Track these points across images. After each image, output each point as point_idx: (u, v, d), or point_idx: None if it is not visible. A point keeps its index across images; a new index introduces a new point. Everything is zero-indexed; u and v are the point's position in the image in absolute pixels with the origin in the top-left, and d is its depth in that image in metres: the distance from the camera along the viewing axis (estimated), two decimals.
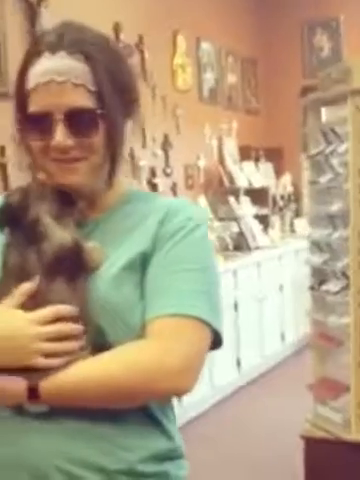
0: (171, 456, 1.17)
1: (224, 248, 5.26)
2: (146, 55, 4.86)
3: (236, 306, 4.74)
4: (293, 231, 6.52)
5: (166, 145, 5.21)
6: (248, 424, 4.18)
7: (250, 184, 5.98)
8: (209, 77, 5.96)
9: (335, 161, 2.94)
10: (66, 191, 1.14)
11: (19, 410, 1.09)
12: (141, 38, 4.85)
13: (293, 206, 6.62)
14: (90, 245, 1.13)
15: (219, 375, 4.33)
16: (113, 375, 1.06)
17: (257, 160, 6.37)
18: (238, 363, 4.76)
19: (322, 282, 3.05)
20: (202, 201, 5.50)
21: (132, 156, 4.42)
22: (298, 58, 6.84)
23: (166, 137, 5.19)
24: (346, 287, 2.86)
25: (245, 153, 6.22)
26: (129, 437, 1.11)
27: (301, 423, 3.10)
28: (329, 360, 3.10)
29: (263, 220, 5.96)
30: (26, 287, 1.08)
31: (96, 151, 1.12)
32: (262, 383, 4.98)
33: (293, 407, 4.06)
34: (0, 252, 1.14)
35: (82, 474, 1.08)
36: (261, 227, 5.86)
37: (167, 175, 5.24)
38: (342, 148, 2.85)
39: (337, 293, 2.93)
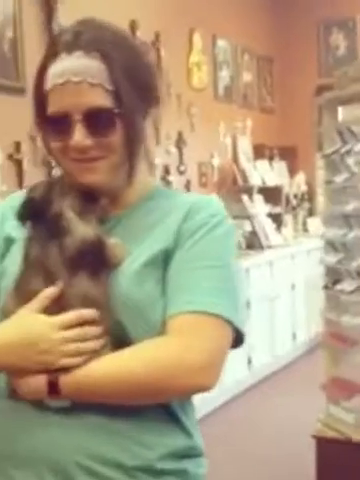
0: (190, 454, 1.16)
1: (237, 246, 5.23)
2: (162, 53, 4.85)
3: (248, 305, 4.73)
4: (306, 230, 6.50)
5: (180, 143, 5.21)
6: (259, 423, 4.17)
7: (264, 183, 5.97)
8: (224, 75, 5.95)
9: (351, 160, 2.92)
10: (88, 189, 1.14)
11: (40, 405, 1.09)
12: (157, 36, 4.85)
13: (306, 205, 6.60)
14: (112, 241, 1.13)
15: (230, 374, 4.32)
16: (133, 371, 1.06)
17: (271, 159, 6.35)
18: (249, 362, 4.75)
19: (336, 282, 3.04)
20: None
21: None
22: (314, 57, 6.81)
23: (180, 135, 5.19)
24: None
25: (259, 151, 6.21)
26: (148, 434, 1.11)
27: (312, 423, 3.09)
28: (342, 360, 3.08)
29: (276, 219, 5.94)
30: (50, 291, 1.08)
31: (115, 150, 1.12)
32: (273, 382, 4.96)
33: (304, 407, 4.05)
34: (22, 246, 1.14)
35: (101, 470, 1.08)
36: (274, 226, 5.85)
37: (181, 173, 5.24)
38: (358, 147, 2.84)
39: (351, 293, 2.92)
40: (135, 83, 1.13)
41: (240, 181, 5.76)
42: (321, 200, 6.19)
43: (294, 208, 6.41)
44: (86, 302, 1.08)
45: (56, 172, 3.69)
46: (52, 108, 1.12)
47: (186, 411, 1.18)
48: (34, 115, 1.16)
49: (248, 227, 5.46)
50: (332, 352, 3.10)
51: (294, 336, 5.53)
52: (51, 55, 1.12)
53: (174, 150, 5.12)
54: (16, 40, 3.63)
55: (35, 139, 3.61)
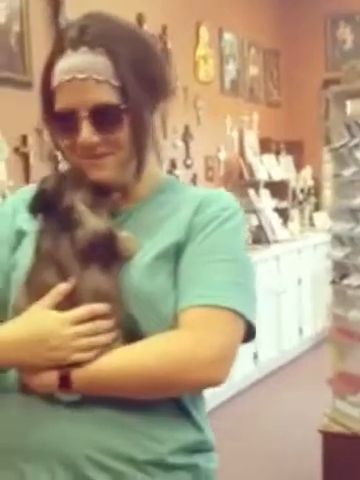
0: (201, 448, 1.16)
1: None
2: (169, 46, 4.84)
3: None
4: (312, 225, 6.48)
5: (187, 136, 5.20)
6: (265, 418, 4.17)
7: (270, 177, 5.95)
8: (231, 68, 5.93)
9: (359, 154, 2.91)
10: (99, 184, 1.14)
11: (50, 399, 1.09)
12: (164, 29, 4.83)
13: (313, 200, 6.58)
14: (124, 234, 1.12)
15: (236, 368, 4.29)
16: (145, 365, 1.05)
17: (277, 153, 6.33)
18: (255, 356, 4.75)
19: (343, 276, 3.03)
20: None
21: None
22: (321, 51, 6.79)
23: (187, 128, 5.18)
24: None
25: (266, 146, 6.19)
26: (159, 428, 1.11)
27: (318, 418, 3.09)
28: (348, 355, 3.08)
29: (282, 213, 5.93)
30: (63, 287, 1.08)
31: (122, 146, 1.12)
32: (279, 377, 4.96)
33: (310, 401, 4.05)
34: (33, 239, 1.14)
35: (111, 464, 1.07)
36: (280, 220, 5.83)
37: (187, 167, 5.23)
38: None
39: (358, 287, 2.91)
40: (142, 77, 1.12)
41: (246, 175, 5.75)
42: (328, 194, 6.19)
43: (300, 202, 6.39)
44: (98, 296, 1.08)
45: (63, 166, 3.68)
46: (59, 105, 1.11)
47: (197, 405, 1.17)
48: (41, 111, 1.16)
49: (254, 222, 5.45)
50: (339, 347, 3.10)
51: (300, 331, 5.53)
52: (57, 51, 1.12)
53: (180, 144, 5.11)
54: (23, 34, 3.62)
55: (41, 132, 3.60)
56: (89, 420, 1.08)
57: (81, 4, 3.60)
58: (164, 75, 1.18)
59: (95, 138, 1.10)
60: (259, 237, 5.42)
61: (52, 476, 1.08)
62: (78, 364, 1.06)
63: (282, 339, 5.18)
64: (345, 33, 6.71)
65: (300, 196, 6.39)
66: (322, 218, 6.35)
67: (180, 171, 5.04)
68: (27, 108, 3.36)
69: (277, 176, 6.04)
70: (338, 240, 3.10)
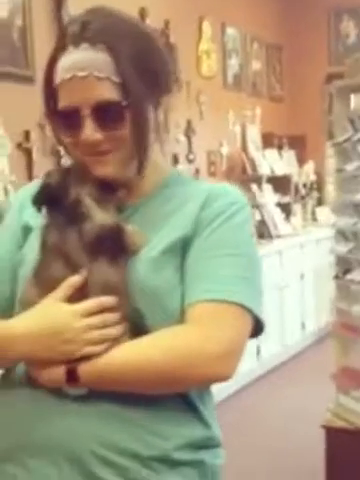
0: (207, 444, 1.16)
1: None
2: (171, 41, 4.82)
3: None
4: (315, 220, 6.47)
5: (189, 131, 5.18)
6: (268, 413, 4.17)
7: (272, 172, 5.94)
8: (234, 63, 5.92)
9: None
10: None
11: (58, 393, 1.09)
12: (167, 23, 4.81)
13: (315, 194, 6.57)
14: (130, 228, 1.12)
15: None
16: (152, 360, 1.05)
17: (280, 148, 6.32)
18: (258, 352, 4.75)
19: (347, 271, 3.02)
20: None
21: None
22: (324, 45, 6.76)
23: (189, 123, 5.17)
24: None
25: (268, 140, 6.18)
26: (165, 424, 1.10)
27: (321, 413, 3.08)
28: (352, 350, 3.07)
29: (285, 208, 5.92)
30: (74, 280, 1.08)
31: (125, 142, 1.12)
32: (282, 372, 4.96)
33: (313, 397, 4.05)
34: (39, 234, 1.15)
35: (116, 460, 1.07)
36: (283, 215, 5.83)
37: (190, 161, 5.22)
38: None
39: None
40: (144, 72, 1.11)
41: (249, 170, 5.74)
42: (330, 189, 6.18)
43: (303, 197, 6.38)
44: (106, 289, 1.08)
45: (65, 161, 3.68)
46: (62, 103, 1.11)
47: (204, 401, 1.17)
48: (44, 108, 1.16)
49: (257, 216, 5.45)
50: (342, 342, 3.09)
51: (303, 326, 5.53)
52: (59, 48, 1.11)
53: (183, 139, 5.10)
54: (25, 28, 3.61)
55: (44, 128, 3.60)
56: (95, 415, 1.08)
57: None
58: (167, 69, 1.17)
59: (98, 135, 1.10)
60: (262, 232, 5.41)
61: (58, 471, 1.08)
62: (86, 358, 1.06)
63: (285, 334, 5.18)
64: (348, 27, 6.68)
65: (303, 191, 6.38)
66: (325, 213, 6.35)
67: (182, 166, 5.03)
68: (30, 103, 3.36)
69: (280, 171, 6.03)
70: (341, 235, 3.10)
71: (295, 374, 4.91)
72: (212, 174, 5.53)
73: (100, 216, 1.10)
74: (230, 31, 5.82)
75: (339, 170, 3.08)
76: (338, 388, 3.05)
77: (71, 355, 1.06)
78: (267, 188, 5.81)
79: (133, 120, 1.10)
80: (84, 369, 1.05)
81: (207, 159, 5.49)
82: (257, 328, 1.14)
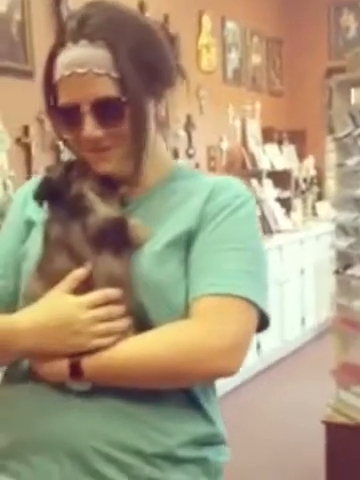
0: (211, 441, 1.15)
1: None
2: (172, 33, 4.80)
3: None
4: (315, 215, 6.47)
5: (189, 126, 5.17)
6: (268, 409, 4.17)
7: (272, 166, 5.93)
8: (233, 57, 5.90)
9: None
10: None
11: (62, 387, 1.08)
12: (166, 18, 4.79)
13: (315, 189, 6.56)
14: (134, 221, 1.12)
15: None
16: (156, 355, 1.04)
17: (280, 142, 6.30)
18: (258, 347, 4.75)
19: (347, 266, 3.01)
20: None
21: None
22: (324, 39, 6.73)
23: (189, 118, 5.15)
24: None
25: (268, 135, 6.16)
26: (168, 420, 1.10)
27: (322, 408, 3.08)
28: (352, 345, 3.07)
29: (285, 203, 5.91)
30: (80, 272, 1.07)
31: (126, 139, 1.11)
32: (282, 367, 4.96)
33: (313, 392, 4.05)
34: (41, 229, 1.14)
35: (119, 456, 1.06)
36: (283, 210, 5.82)
37: (190, 156, 5.21)
38: None
39: None
40: (145, 66, 1.10)
41: (249, 165, 5.73)
42: (330, 184, 6.17)
43: (303, 192, 6.38)
44: (111, 281, 1.07)
45: (64, 156, 3.67)
46: (62, 99, 1.11)
47: (209, 397, 1.16)
48: (45, 105, 1.15)
49: (257, 211, 5.43)
50: (342, 337, 3.08)
51: (303, 321, 5.52)
52: (58, 44, 1.11)
53: (183, 133, 5.08)
54: (24, 23, 3.59)
55: (43, 122, 3.58)
56: (98, 411, 1.07)
57: None
58: (168, 62, 1.16)
59: (98, 132, 1.10)
60: (262, 227, 5.40)
61: (60, 468, 1.07)
62: (90, 352, 1.05)
63: (285, 330, 5.17)
64: (349, 20, 6.64)
65: (303, 186, 6.37)
66: (325, 208, 6.34)
67: (182, 161, 5.01)
68: (29, 98, 3.34)
69: (280, 166, 6.02)
70: (342, 230, 3.09)
71: (295, 369, 4.91)
72: (212, 169, 5.52)
73: (104, 210, 1.09)
74: (230, 25, 5.80)
75: (340, 165, 3.07)
76: (338, 384, 3.05)
77: (79, 348, 1.05)
78: (267, 183, 5.80)
79: (132, 116, 1.09)
80: (88, 363, 1.05)
81: (207, 154, 5.48)
82: (262, 322, 1.13)
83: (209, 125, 5.39)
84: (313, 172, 6.52)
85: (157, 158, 1.18)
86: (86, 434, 1.06)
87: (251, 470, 3.29)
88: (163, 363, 1.04)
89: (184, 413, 1.11)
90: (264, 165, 5.81)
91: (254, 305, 1.09)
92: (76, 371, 1.05)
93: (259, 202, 5.52)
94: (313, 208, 6.51)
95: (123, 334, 1.06)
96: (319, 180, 6.63)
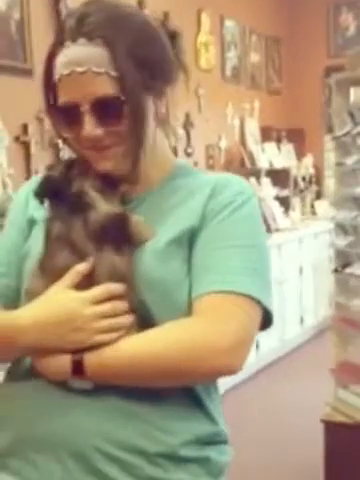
0: (214, 441, 1.15)
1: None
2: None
3: None
4: (314, 213, 6.47)
5: (187, 124, 5.17)
6: (266, 407, 4.17)
7: (271, 165, 5.93)
8: (232, 56, 5.89)
9: None
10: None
11: (63, 386, 1.08)
12: (165, 16, 4.77)
13: (314, 188, 6.56)
14: (136, 218, 1.11)
15: None
16: (159, 353, 1.04)
17: (279, 141, 6.30)
18: (257, 346, 4.74)
19: (346, 265, 3.01)
20: None
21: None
22: (323, 37, 6.73)
23: (188, 116, 5.15)
24: None
25: (267, 134, 6.16)
26: (170, 419, 1.09)
27: (320, 407, 3.08)
28: (351, 344, 3.07)
29: (284, 202, 5.91)
30: (82, 267, 1.07)
31: (126, 137, 1.11)
32: (281, 366, 4.96)
33: (312, 391, 4.04)
34: (42, 227, 1.14)
35: (121, 455, 1.06)
36: (282, 209, 5.81)
37: (188, 155, 5.21)
38: None
39: None
40: (144, 63, 1.10)
41: (248, 163, 5.73)
42: (329, 183, 6.17)
43: (302, 191, 6.37)
44: (114, 276, 1.07)
45: (63, 154, 3.66)
46: (61, 98, 1.10)
47: (211, 395, 1.16)
48: (44, 104, 1.15)
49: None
50: (341, 336, 3.09)
51: (302, 320, 5.52)
52: (57, 43, 1.10)
53: (181, 132, 5.08)
54: (23, 21, 3.59)
55: (42, 121, 3.58)
56: (101, 410, 1.07)
57: None
58: (169, 58, 1.15)
59: (98, 131, 1.09)
60: None
61: (62, 467, 1.07)
62: (92, 348, 1.04)
63: (283, 328, 5.17)
64: (348, 19, 6.64)
65: (301, 184, 6.37)
66: (323, 206, 6.34)
67: (181, 159, 5.01)
68: (27, 96, 3.34)
69: (278, 164, 6.02)
70: (341, 229, 3.09)
71: (294, 368, 4.91)
72: (210, 167, 5.51)
73: (105, 206, 1.09)
74: (229, 23, 5.80)
75: (339, 164, 3.07)
76: (337, 382, 3.05)
77: (80, 344, 1.04)
78: (266, 182, 5.80)
79: (130, 114, 1.09)
80: (90, 361, 1.04)
81: (205, 152, 5.48)
82: (266, 320, 1.12)
83: (208, 123, 5.38)
84: (312, 171, 6.52)
85: (158, 156, 1.18)
86: (88, 433, 1.06)
87: (250, 469, 3.29)
88: (165, 361, 1.03)
89: (187, 412, 1.11)
90: (263, 164, 5.81)
91: (258, 303, 1.08)
92: (77, 368, 1.04)
93: (258, 201, 5.51)
94: (312, 207, 6.51)
95: (126, 331, 1.05)
96: (318, 179, 6.63)
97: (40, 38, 3.55)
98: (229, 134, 5.71)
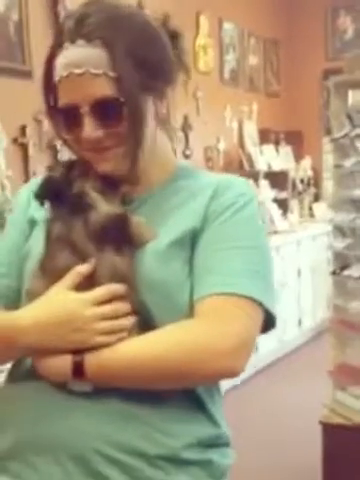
0: (216, 443, 1.14)
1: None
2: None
3: None
4: (312, 216, 6.47)
5: (186, 127, 5.17)
6: (264, 409, 4.17)
7: (269, 167, 5.93)
8: (231, 58, 5.90)
9: None
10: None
11: (64, 388, 1.07)
12: (165, 16, 4.78)
13: (312, 190, 6.57)
14: (137, 219, 1.11)
15: None
16: (160, 355, 1.03)
17: (277, 143, 6.31)
18: (255, 347, 4.74)
19: (344, 267, 3.02)
20: None
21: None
22: (321, 40, 6.74)
23: (186, 119, 5.15)
24: None
25: (265, 136, 6.17)
26: (171, 422, 1.08)
27: (318, 409, 3.08)
28: (349, 346, 3.07)
29: (282, 204, 5.91)
30: (83, 268, 1.06)
31: (126, 138, 1.11)
32: (279, 368, 4.96)
33: (310, 393, 4.04)
34: (43, 228, 1.14)
35: (121, 458, 1.05)
36: (280, 211, 5.82)
37: (186, 157, 5.21)
38: None
39: (359, 278, 2.90)
40: (144, 64, 1.10)
41: (246, 166, 5.73)
42: (327, 185, 6.18)
43: (300, 193, 6.38)
44: (115, 277, 1.06)
45: (62, 156, 3.66)
46: (61, 100, 1.11)
47: (213, 398, 1.15)
48: (45, 105, 1.15)
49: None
50: (339, 338, 3.09)
51: (300, 322, 5.52)
52: (57, 45, 1.10)
53: (180, 134, 5.08)
54: (21, 23, 3.59)
55: (40, 122, 3.58)
56: (101, 412, 1.06)
57: None
58: (169, 59, 1.15)
59: (98, 133, 1.09)
60: None
61: (62, 470, 1.06)
62: (93, 349, 1.03)
63: (282, 330, 5.17)
64: (346, 22, 6.65)
65: (300, 187, 6.37)
66: (321, 209, 6.35)
67: (183, 160, 5.01)
68: (26, 98, 3.34)
69: (277, 167, 6.02)
70: (339, 231, 3.09)
71: (292, 370, 4.91)
72: (209, 170, 5.51)
73: (105, 207, 1.09)
74: (227, 26, 5.80)
75: (337, 166, 3.07)
76: (335, 384, 3.05)
77: (81, 344, 1.04)
78: (264, 184, 5.80)
79: (129, 115, 1.09)
80: (91, 363, 1.03)
81: (204, 155, 5.48)
82: (269, 322, 1.12)
83: (206, 126, 5.39)
84: (310, 173, 6.52)
85: (160, 157, 1.18)
86: (88, 435, 1.05)
87: (247, 470, 3.29)
88: (166, 363, 1.03)
89: (188, 415, 1.10)
90: (261, 166, 5.81)
91: (259, 305, 1.08)
92: (78, 370, 1.04)
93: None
94: (310, 209, 6.52)
95: (127, 333, 1.05)
96: (316, 181, 6.63)
97: (38, 40, 3.55)
98: (227, 136, 5.71)
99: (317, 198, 6.67)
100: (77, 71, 1.06)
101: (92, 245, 1.07)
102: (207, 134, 5.44)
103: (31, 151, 3.62)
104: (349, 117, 2.96)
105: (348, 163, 2.96)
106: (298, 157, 6.49)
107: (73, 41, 1.07)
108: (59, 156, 3.70)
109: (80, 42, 1.07)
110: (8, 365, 1.20)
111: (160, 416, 1.08)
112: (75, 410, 1.07)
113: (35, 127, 3.64)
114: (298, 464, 3.35)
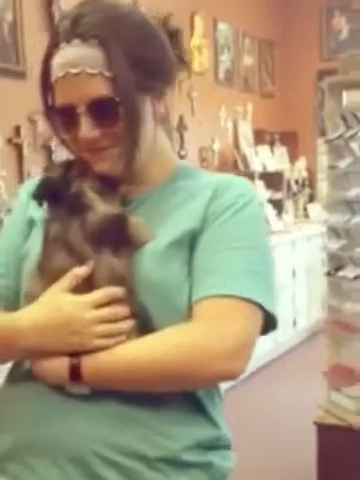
0: (217, 445, 1.13)
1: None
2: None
3: None
4: (307, 216, 6.48)
5: (181, 127, 5.17)
6: (259, 410, 4.17)
7: (264, 168, 5.94)
8: (225, 59, 5.90)
9: (355, 145, 2.89)
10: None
11: (62, 390, 1.07)
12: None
13: (307, 191, 6.58)
14: (135, 220, 1.10)
15: None
16: (158, 358, 1.02)
17: (272, 144, 6.31)
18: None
19: (339, 268, 3.02)
20: None
21: None
22: (315, 41, 6.75)
23: (181, 119, 5.15)
24: None
25: (260, 137, 6.17)
26: (171, 424, 1.08)
27: (313, 409, 3.08)
28: (343, 347, 3.07)
29: (277, 205, 5.92)
30: (81, 270, 1.06)
31: (122, 138, 1.10)
32: (274, 369, 4.96)
33: (305, 393, 4.05)
34: (40, 229, 1.14)
35: (120, 460, 1.04)
36: (275, 212, 5.82)
37: (181, 157, 5.20)
38: None
39: (354, 279, 2.90)
40: (141, 64, 1.09)
41: (241, 166, 5.73)
42: (322, 186, 6.18)
43: (295, 194, 6.39)
44: (113, 279, 1.06)
45: (56, 156, 3.66)
46: (58, 100, 1.10)
47: (213, 400, 1.15)
48: (42, 106, 1.15)
49: None
50: (334, 339, 3.09)
51: (295, 323, 5.52)
52: (53, 45, 1.10)
53: (175, 134, 5.08)
54: (16, 23, 3.58)
55: (35, 123, 3.57)
56: (99, 415, 1.06)
57: None
58: (167, 58, 1.14)
59: (95, 133, 1.09)
60: None
61: (60, 472, 1.06)
62: (91, 352, 1.03)
63: (277, 331, 5.16)
64: (340, 23, 6.66)
65: (294, 187, 6.38)
66: (316, 209, 6.36)
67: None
68: (20, 98, 3.34)
69: (271, 167, 6.03)
70: (334, 232, 3.09)
71: (287, 371, 4.91)
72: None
73: (103, 207, 1.08)
74: (222, 26, 5.80)
75: (332, 167, 3.07)
76: (329, 385, 3.05)
77: (79, 347, 1.03)
78: (259, 184, 5.80)
79: (125, 115, 1.08)
80: (88, 366, 1.03)
81: (199, 155, 5.48)
82: (270, 324, 1.11)
83: (201, 126, 5.39)
84: (305, 174, 6.53)
85: (159, 157, 1.17)
86: (89, 438, 1.05)
87: (242, 470, 3.28)
88: (165, 366, 1.02)
89: (187, 417, 1.10)
90: (256, 166, 5.81)
91: (259, 306, 1.07)
92: (75, 372, 1.03)
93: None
94: (305, 210, 6.53)
95: (126, 336, 1.04)
96: (311, 182, 6.64)
97: (33, 40, 3.54)
98: (222, 137, 5.72)
99: (312, 199, 6.68)
100: (73, 71, 1.06)
101: (89, 246, 1.06)
102: (202, 134, 5.44)
103: (25, 151, 3.62)
104: (343, 118, 2.96)
105: (343, 164, 2.95)
106: (293, 158, 6.49)
107: (69, 41, 1.07)
108: (53, 156, 3.69)
109: (76, 42, 1.07)
110: (8, 365, 1.19)
111: (159, 418, 1.07)
112: (73, 412, 1.06)
113: (29, 127, 3.63)
114: (293, 464, 3.36)
